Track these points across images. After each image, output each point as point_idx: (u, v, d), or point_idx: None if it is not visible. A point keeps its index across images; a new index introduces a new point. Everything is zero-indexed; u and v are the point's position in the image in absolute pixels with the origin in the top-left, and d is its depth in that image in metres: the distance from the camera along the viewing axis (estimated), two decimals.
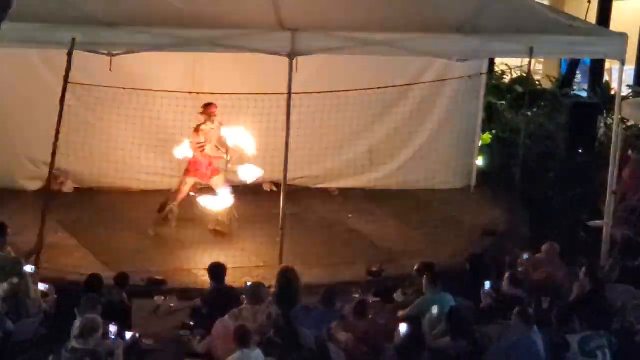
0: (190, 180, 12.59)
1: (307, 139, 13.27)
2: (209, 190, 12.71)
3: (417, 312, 9.89)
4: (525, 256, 11.25)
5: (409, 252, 12.33)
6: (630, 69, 17.63)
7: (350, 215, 13.83)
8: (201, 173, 12.58)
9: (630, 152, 13.12)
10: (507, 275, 10.27)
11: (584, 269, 10.47)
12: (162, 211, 12.62)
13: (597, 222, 13.02)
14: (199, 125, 12.41)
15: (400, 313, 10.03)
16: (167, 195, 12.82)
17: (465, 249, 12.55)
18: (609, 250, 12.15)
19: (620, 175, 12.93)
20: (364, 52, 11.53)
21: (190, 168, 12.57)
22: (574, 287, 10.47)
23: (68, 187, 13.88)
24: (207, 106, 12.37)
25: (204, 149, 12.38)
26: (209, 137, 12.41)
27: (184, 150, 12.45)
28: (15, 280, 9.35)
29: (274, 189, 13.83)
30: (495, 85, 17.33)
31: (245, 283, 10.22)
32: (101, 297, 9.26)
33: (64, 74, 10.65)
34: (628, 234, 12.13)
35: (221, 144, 12.51)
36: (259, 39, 10.88)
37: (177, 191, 12.62)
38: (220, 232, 12.65)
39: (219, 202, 12.54)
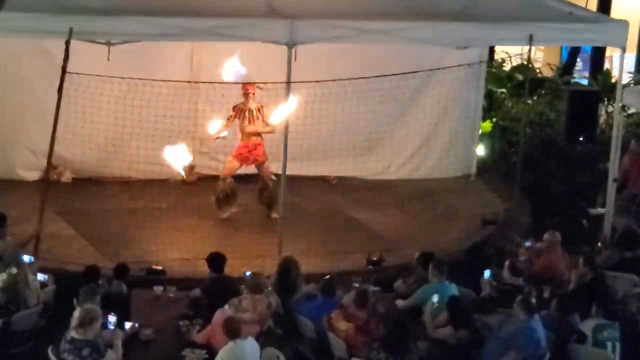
0: (232, 160, 12.85)
1: (305, 128, 13.21)
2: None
3: (420, 301, 9.87)
4: (527, 244, 11.23)
5: (409, 241, 12.29)
6: (631, 56, 17.57)
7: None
8: (244, 156, 12.83)
9: (632, 142, 13.10)
10: (507, 264, 10.25)
11: (581, 258, 10.45)
12: (217, 193, 12.85)
13: (598, 210, 12.99)
14: (236, 105, 12.75)
15: (400, 303, 10.01)
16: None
17: (466, 238, 12.55)
18: (609, 238, 12.12)
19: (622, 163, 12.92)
20: (363, 40, 11.53)
21: (235, 150, 12.89)
22: (573, 275, 10.46)
23: (66, 176, 13.85)
24: (243, 85, 12.60)
25: (231, 122, 12.71)
26: (243, 114, 12.66)
27: (215, 127, 12.67)
28: (14, 270, 9.31)
29: (274, 178, 13.79)
30: (495, 74, 17.26)
31: (245, 273, 10.18)
32: (99, 287, 9.24)
33: (60, 63, 10.59)
34: (629, 223, 12.08)
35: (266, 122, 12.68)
36: (258, 27, 10.86)
37: (223, 170, 12.98)
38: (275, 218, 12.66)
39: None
